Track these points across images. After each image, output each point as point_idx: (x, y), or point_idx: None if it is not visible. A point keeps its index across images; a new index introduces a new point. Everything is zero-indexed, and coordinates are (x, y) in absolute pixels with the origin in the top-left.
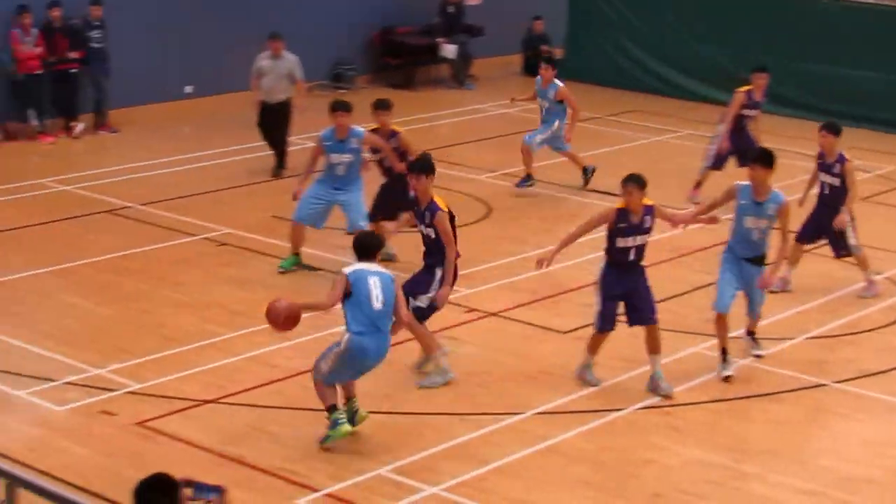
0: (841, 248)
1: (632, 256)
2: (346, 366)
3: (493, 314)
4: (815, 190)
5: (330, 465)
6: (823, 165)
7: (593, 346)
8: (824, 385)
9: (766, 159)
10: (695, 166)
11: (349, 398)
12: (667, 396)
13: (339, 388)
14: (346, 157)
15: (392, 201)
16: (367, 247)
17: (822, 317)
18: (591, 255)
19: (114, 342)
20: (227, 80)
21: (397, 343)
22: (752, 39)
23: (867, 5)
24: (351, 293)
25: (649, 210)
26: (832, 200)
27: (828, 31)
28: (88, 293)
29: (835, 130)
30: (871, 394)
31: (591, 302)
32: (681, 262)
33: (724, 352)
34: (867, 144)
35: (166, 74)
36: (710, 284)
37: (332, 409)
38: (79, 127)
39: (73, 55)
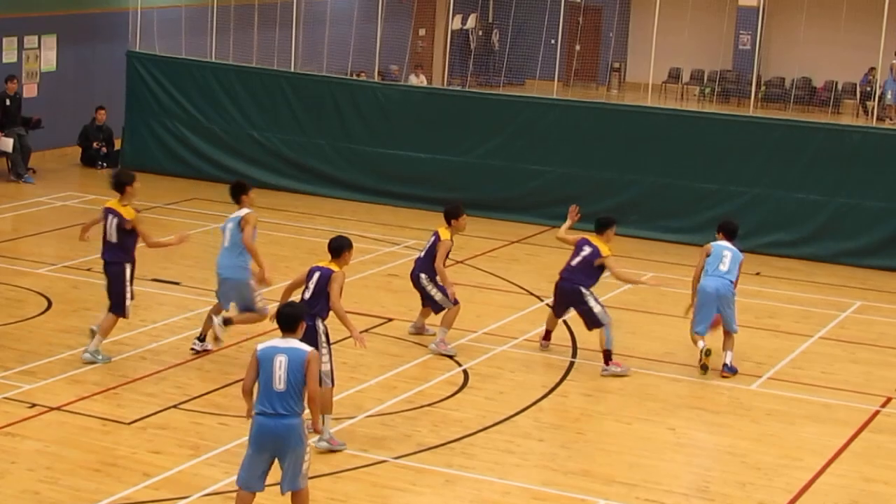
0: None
1: None
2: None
3: (56, 408)
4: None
5: None
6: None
7: None
8: (384, 461)
9: None
10: None
11: None
12: None
13: None
14: None
15: None
16: (287, 319)
17: (381, 393)
18: (153, 345)
19: None
20: None
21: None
22: (302, 122)
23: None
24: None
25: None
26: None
27: (370, 111)
28: None
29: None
30: (429, 467)
31: (153, 391)
32: None
33: None
34: (418, 223)
35: None
36: None
37: None
38: None
39: None
